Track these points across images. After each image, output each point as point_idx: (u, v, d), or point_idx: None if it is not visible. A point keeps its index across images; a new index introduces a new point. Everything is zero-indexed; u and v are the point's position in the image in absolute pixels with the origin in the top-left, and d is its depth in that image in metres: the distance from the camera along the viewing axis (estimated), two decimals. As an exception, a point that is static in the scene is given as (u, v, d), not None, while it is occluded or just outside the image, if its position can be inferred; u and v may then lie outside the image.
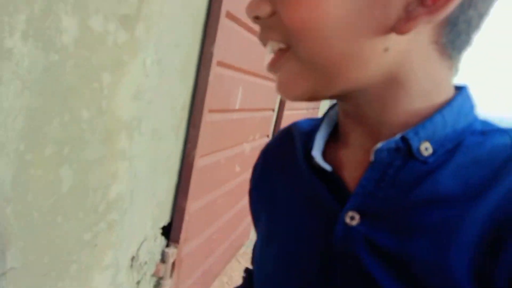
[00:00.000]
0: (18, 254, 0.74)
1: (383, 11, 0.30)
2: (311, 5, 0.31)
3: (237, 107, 1.65)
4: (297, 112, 3.46)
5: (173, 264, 1.40)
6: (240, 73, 1.62)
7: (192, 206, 1.43)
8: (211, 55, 1.28)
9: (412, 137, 0.33)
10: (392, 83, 0.34)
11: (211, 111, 1.38)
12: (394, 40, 0.31)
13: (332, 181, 0.38)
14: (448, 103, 0.34)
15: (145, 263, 1.27)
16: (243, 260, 2.47)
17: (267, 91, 2.11)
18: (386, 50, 0.31)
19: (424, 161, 0.34)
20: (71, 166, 0.82)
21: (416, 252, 0.32)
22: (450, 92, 0.36)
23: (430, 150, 0.34)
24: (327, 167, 0.38)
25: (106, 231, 1.01)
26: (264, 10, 0.34)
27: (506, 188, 0.30)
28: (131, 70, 0.94)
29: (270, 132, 2.47)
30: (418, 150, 0.34)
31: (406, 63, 0.33)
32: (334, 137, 0.42)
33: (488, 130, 0.34)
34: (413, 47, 0.32)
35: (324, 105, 4.50)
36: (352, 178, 0.37)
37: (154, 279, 1.36)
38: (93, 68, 0.82)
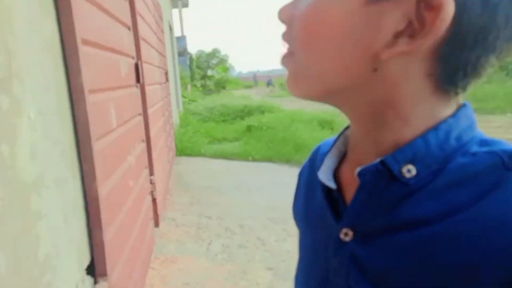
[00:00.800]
0: None
1: (374, 33, 0.32)
2: (319, 19, 0.34)
3: (114, 125, 1.65)
4: (156, 107, 3.48)
5: (108, 296, 1.40)
6: (108, 91, 1.61)
7: (107, 235, 1.43)
8: (81, 86, 1.27)
9: (391, 161, 0.35)
10: (383, 105, 0.36)
11: (97, 139, 1.38)
12: (384, 63, 0.33)
13: (337, 198, 0.41)
14: (435, 126, 0.35)
15: (85, 307, 1.26)
16: (157, 265, 2.51)
17: (132, 98, 2.11)
18: (375, 70, 0.33)
19: (406, 183, 0.35)
20: (1, 247, 0.79)
21: (392, 269, 0.34)
22: (439, 116, 0.36)
23: (414, 172, 0.35)
24: (332, 185, 0.41)
25: (46, 293, 0.99)
26: (284, 16, 0.39)
27: (484, 216, 0.31)
28: (21, 131, 0.91)
29: (144, 135, 2.49)
30: (400, 172, 0.35)
31: (398, 89, 0.34)
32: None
33: (479, 152, 0.34)
34: (406, 75, 0.34)
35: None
36: (351, 195, 0.39)
37: (96, 318, 1.35)
38: (-8, 144, 0.78)
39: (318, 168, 0.44)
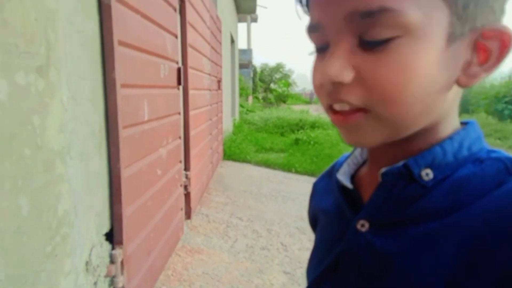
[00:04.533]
0: (1, 269, 0.93)
1: (452, 71, 0.35)
2: (408, 74, 0.33)
3: (146, 118, 1.89)
4: (201, 110, 3.74)
5: (122, 263, 1.62)
6: (142, 89, 1.86)
7: (127, 211, 1.65)
8: (114, 80, 1.51)
9: (413, 164, 0.39)
10: (433, 123, 0.39)
11: (125, 127, 1.61)
12: (451, 91, 0.37)
13: (354, 196, 0.46)
14: (450, 136, 0.39)
15: (98, 266, 1.47)
16: (182, 253, 2.72)
17: (170, 98, 2.36)
18: (446, 100, 0.37)
19: (424, 185, 0.38)
20: (26, 195, 1.02)
21: (401, 256, 0.38)
22: (457, 124, 0.41)
23: (431, 175, 0.38)
24: (349, 185, 0.46)
25: (62, 243, 1.21)
26: (348, 76, 0.35)
27: (484, 211, 0.34)
28: (53, 109, 1.15)
29: (181, 133, 2.73)
30: (419, 175, 0.39)
31: (449, 106, 0.39)
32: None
33: (487, 158, 0.38)
34: (458, 92, 0.39)
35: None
36: (368, 194, 0.44)
37: (108, 279, 1.57)
38: (25, 114, 1.02)
39: (336, 171, 0.49)
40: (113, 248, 1.61)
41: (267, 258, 2.80)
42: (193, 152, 3.17)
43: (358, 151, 0.51)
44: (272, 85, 26.59)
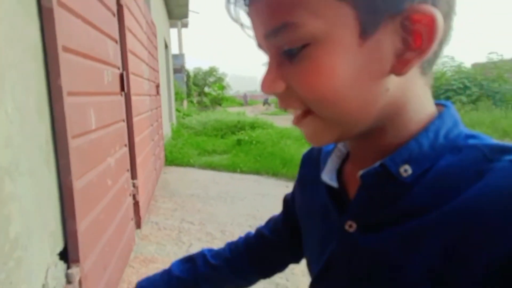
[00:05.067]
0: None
1: (379, 63, 0.36)
2: (323, 76, 0.35)
3: (93, 127, 1.79)
4: (143, 116, 3.62)
5: (80, 282, 1.52)
6: (88, 96, 1.76)
7: (82, 226, 1.56)
8: (60, 88, 1.42)
9: (389, 163, 0.39)
10: (392, 114, 0.39)
11: (74, 137, 1.52)
12: (392, 81, 0.37)
13: (340, 194, 0.47)
14: (425, 128, 0.40)
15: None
16: (136, 264, 2.62)
17: (114, 104, 2.26)
18: (387, 90, 0.37)
19: (403, 181, 0.39)
20: (-24, 217, 0.92)
21: (390, 254, 0.39)
22: (432, 110, 0.41)
23: (410, 171, 0.39)
24: (334, 184, 0.46)
25: (16, 268, 1.11)
26: (280, 87, 0.39)
27: (473, 194, 0.34)
28: None
29: (126, 141, 2.62)
30: (398, 172, 0.39)
31: (403, 95, 0.39)
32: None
33: (465, 146, 0.38)
34: (406, 80, 0.38)
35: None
36: (354, 191, 0.44)
37: (66, 301, 1.46)
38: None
39: (322, 169, 0.50)
40: (68, 267, 1.50)
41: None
42: (138, 160, 3.06)
43: (341, 143, 0.51)
44: (207, 89, 26.41)
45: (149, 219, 3.44)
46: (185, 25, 17.01)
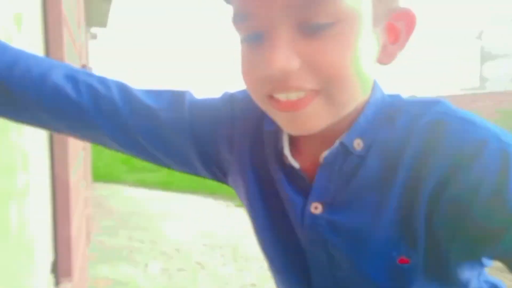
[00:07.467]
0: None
1: (374, 50, 0.39)
2: (348, 54, 0.36)
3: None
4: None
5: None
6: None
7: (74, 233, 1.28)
8: None
9: (346, 140, 0.42)
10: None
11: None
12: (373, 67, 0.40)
13: (297, 177, 0.45)
14: (368, 102, 0.42)
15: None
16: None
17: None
18: (372, 75, 0.41)
19: (359, 155, 0.42)
20: None
21: (360, 222, 0.42)
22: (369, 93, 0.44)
23: (361, 145, 0.42)
24: (296, 165, 0.44)
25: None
26: (296, 64, 0.35)
27: (412, 151, 0.40)
28: None
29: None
30: (352, 147, 0.42)
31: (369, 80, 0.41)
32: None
33: (395, 115, 0.42)
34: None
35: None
36: (309, 171, 0.45)
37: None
38: None
39: (280, 148, 0.46)
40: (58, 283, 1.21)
41: (186, 279, 2.54)
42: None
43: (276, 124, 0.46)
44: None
45: (92, 237, 3.02)
46: (94, 37, 16.01)
